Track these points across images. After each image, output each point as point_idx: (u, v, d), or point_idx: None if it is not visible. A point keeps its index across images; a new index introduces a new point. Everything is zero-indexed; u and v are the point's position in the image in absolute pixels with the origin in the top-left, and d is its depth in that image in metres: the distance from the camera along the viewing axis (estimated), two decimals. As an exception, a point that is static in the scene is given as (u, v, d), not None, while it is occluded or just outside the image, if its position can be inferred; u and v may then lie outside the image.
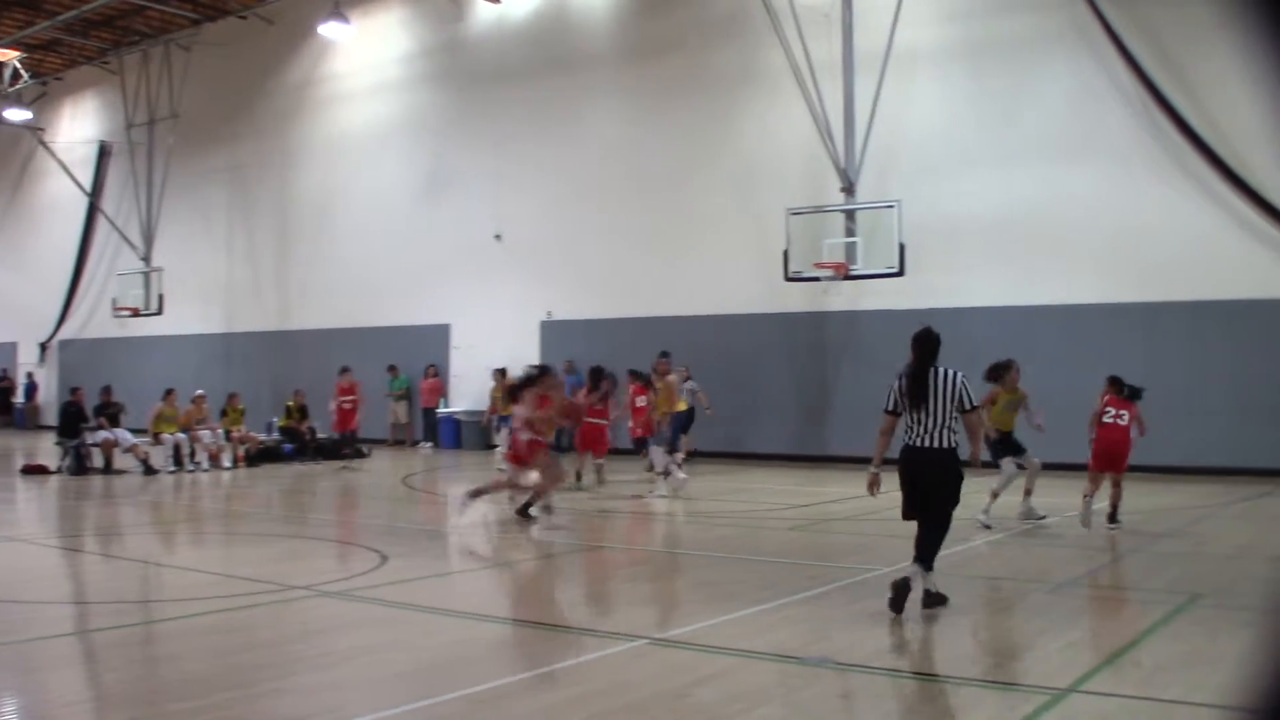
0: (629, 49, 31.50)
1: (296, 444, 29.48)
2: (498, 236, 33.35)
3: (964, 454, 10.31)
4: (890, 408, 10.43)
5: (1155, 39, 24.28)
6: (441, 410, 33.95)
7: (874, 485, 10.47)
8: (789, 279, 25.80)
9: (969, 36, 26.54)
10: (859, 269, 24.94)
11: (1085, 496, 15.42)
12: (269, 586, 11.35)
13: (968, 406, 10.24)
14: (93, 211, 44.46)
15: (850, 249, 25.06)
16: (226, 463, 27.06)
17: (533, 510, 17.01)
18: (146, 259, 39.84)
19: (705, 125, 29.92)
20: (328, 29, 35.54)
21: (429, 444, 33.78)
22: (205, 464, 26.47)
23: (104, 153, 44.50)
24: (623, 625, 9.52)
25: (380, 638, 9.31)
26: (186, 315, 39.71)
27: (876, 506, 16.69)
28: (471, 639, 9.32)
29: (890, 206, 24.75)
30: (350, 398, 27.81)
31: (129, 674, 8.37)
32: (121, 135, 41.65)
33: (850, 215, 25.32)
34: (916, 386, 10.26)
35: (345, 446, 27.75)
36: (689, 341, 28.15)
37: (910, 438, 10.26)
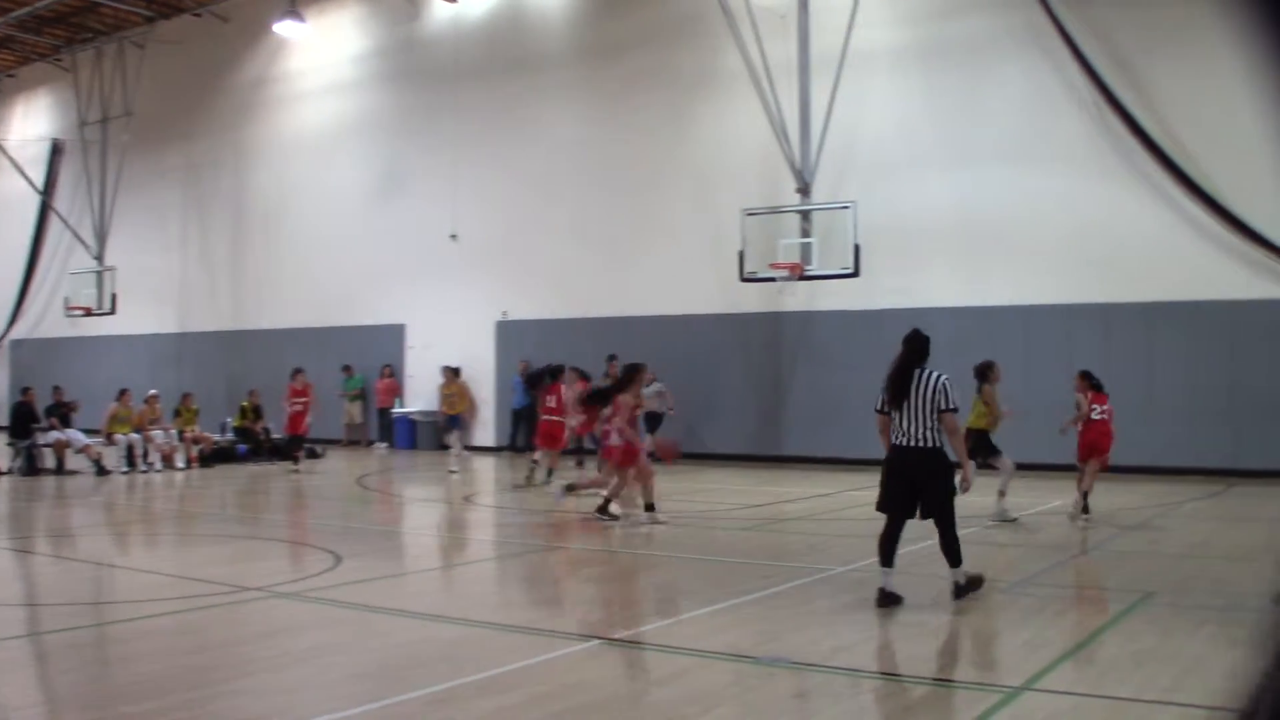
0: (585, 49, 31.50)
1: (251, 444, 29.39)
2: (453, 236, 33.27)
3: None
4: (878, 407, 10.66)
5: (1109, 42, 24.46)
6: (397, 410, 33.86)
7: None
8: (744, 279, 25.85)
9: (924, 39, 26.67)
10: (814, 270, 25.00)
11: (1085, 492, 16.40)
12: (223, 588, 11.31)
13: (945, 407, 10.36)
14: (45, 210, 44.06)
15: (805, 250, 25.13)
16: (180, 463, 26.93)
17: (613, 509, 16.89)
18: (99, 258, 39.52)
19: (661, 126, 29.95)
20: (283, 27, 35.42)
21: (384, 444, 33.70)
22: (158, 464, 26.36)
23: (57, 151, 44.11)
24: (579, 626, 9.55)
25: (335, 638, 9.29)
26: (140, 315, 39.43)
27: (831, 507, 16.81)
28: (427, 639, 9.31)
29: (845, 207, 24.83)
30: (302, 400, 26.85)
31: (82, 676, 8.33)
32: (75, 133, 41.31)
33: (805, 216, 25.40)
34: (897, 385, 10.46)
35: (294, 448, 26.93)
36: (645, 342, 28.18)
37: (896, 437, 10.45)
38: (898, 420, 10.42)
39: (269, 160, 37.91)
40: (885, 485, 10.56)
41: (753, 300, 27.65)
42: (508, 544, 16.37)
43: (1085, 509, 16.30)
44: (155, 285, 39.82)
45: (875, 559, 10.40)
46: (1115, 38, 24.43)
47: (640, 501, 16.93)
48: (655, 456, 16.70)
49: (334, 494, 22.93)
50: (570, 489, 17.41)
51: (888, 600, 10.20)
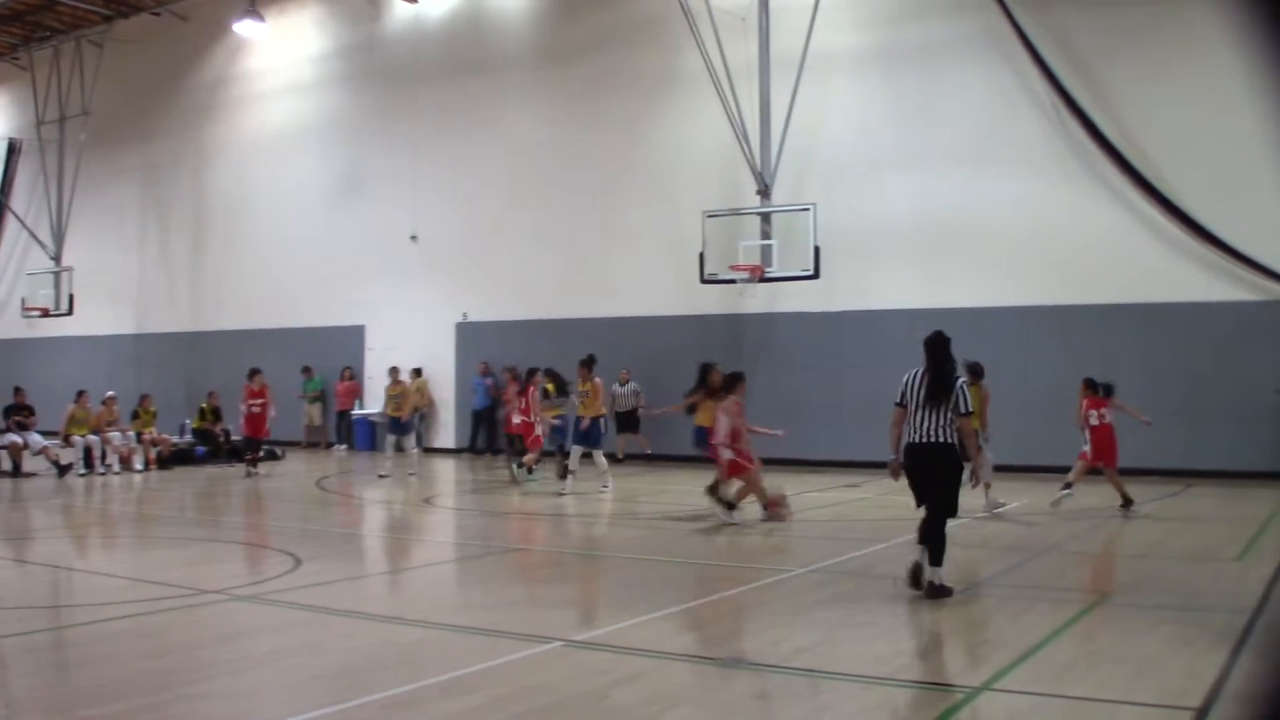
0: (546, 51, 31.47)
1: (210, 446, 29.25)
2: (414, 238, 33.19)
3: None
4: (899, 400, 11.17)
5: (1067, 46, 24.62)
6: (357, 412, 33.75)
7: (897, 472, 11.22)
8: (705, 281, 25.90)
9: (884, 42, 26.76)
10: (774, 271, 25.08)
11: (1068, 485, 17.51)
12: (182, 591, 11.26)
13: (963, 411, 10.93)
14: (1, 210, 43.73)
15: (765, 252, 25.20)
16: (138, 465, 26.77)
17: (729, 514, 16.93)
18: (57, 258, 39.24)
19: (622, 128, 29.97)
20: (243, 27, 35.28)
21: (344, 446, 33.61)
22: (116, 466, 26.17)
23: (13, 150, 43.71)
24: (539, 627, 9.53)
25: (294, 641, 9.27)
26: (98, 316, 39.19)
27: (791, 508, 16.86)
28: (387, 642, 9.30)
29: (805, 209, 24.91)
30: (259, 401, 26.25)
31: (40, 680, 8.29)
32: (32, 132, 40.94)
33: (766, 218, 25.47)
34: (939, 386, 11.00)
35: (250, 452, 26.33)
36: (606, 344, 28.13)
37: (910, 434, 10.99)
38: (917, 418, 10.94)
39: (228, 160, 37.70)
40: (910, 483, 11.07)
41: (713, 302, 27.70)
42: (468, 546, 16.35)
43: (1126, 503, 17.49)
44: (113, 286, 39.58)
45: (839, 560, 10.41)
46: (1073, 42, 24.59)
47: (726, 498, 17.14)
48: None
49: (293, 496, 22.83)
50: (731, 507, 17.35)
51: (936, 593, 10.69)
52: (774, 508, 16.84)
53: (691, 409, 20.52)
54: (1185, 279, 23.54)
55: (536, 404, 23.35)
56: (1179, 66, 23.84)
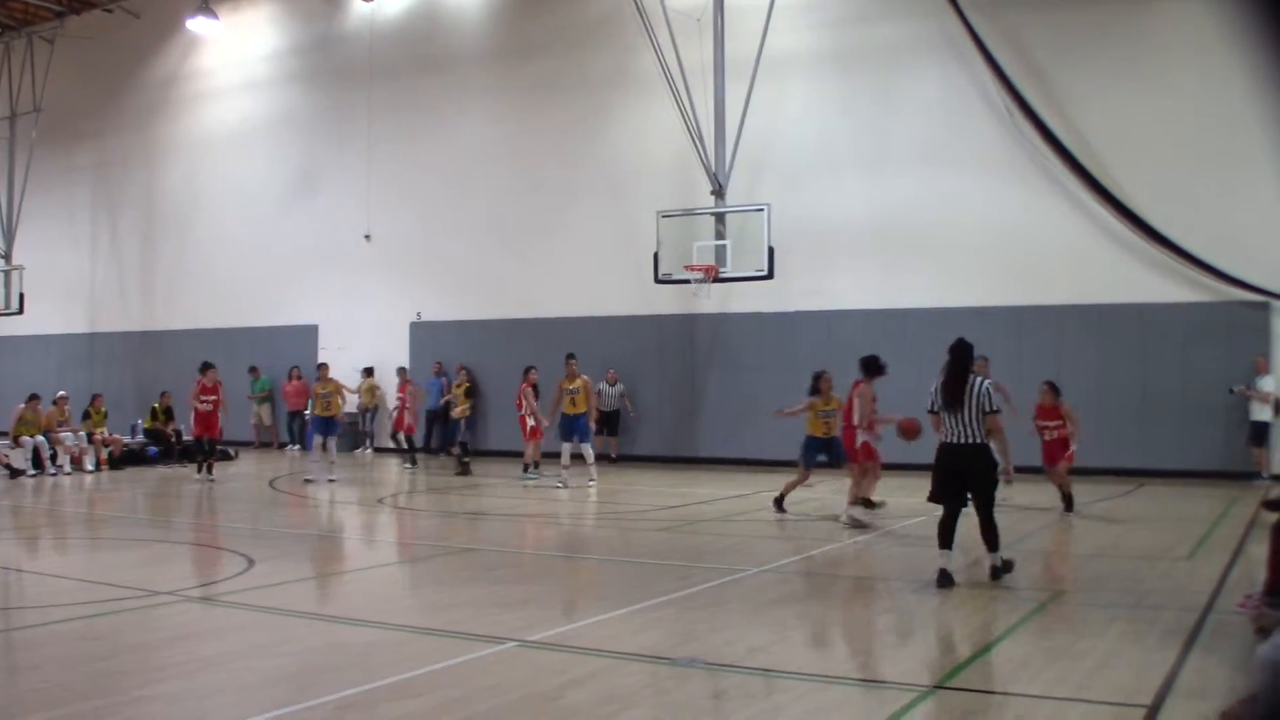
0: (502, 50, 31.43)
1: (161, 446, 29.06)
2: (367, 237, 33.11)
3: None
4: (930, 408, 12.04)
5: (1022, 49, 24.78)
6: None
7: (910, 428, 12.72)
8: (659, 281, 25.90)
9: (839, 44, 26.88)
10: (728, 272, 25.09)
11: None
12: (133, 592, 11.18)
13: (989, 409, 11.70)
14: (-50, 208, 43.35)
15: (720, 252, 25.21)
16: (89, 466, 26.57)
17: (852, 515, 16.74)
18: (7, 256, 38.85)
19: (577, 127, 29.97)
20: (196, 24, 35.15)
21: (297, 447, 33.47)
22: (67, 467, 25.96)
23: (-38, 147, 43.37)
24: (493, 628, 9.51)
25: (247, 643, 9.21)
26: (48, 315, 38.89)
27: (746, 508, 16.88)
28: (340, 643, 9.26)
29: (760, 210, 24.93)
30: (211, 398, 24.99)
31: (-12, 683, 8.21)
32: (-19, 129, 40.67)
33: (720, 218, 25.48)
34: (952, 391, 11.77)
35: (202, 454, 24.85)
36: (560, 343, 28.16)
37: (946, 436, 11.77)
38: (949, 421, 11.71)
39: (181, 159, 37.46)
40: (938, 479, 11.80)
41: (667, 302, 27.74)
42: (422, 546, 16.31)
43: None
44: (64, 285, 39.30)
45: (793, 559, 10.42)
46: (1028, 45, 24.76)
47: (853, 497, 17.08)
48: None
49: (246, 497, 22.69)
50: (871, 504, 17.42)
51: (946, 580, 11.39)
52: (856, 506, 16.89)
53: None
54: (1137, 280, 23.78)
55: (531, 401, 24.18)
56: (1131, 71, 24.05)
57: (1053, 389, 18.38)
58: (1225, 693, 6.76)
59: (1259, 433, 22.77)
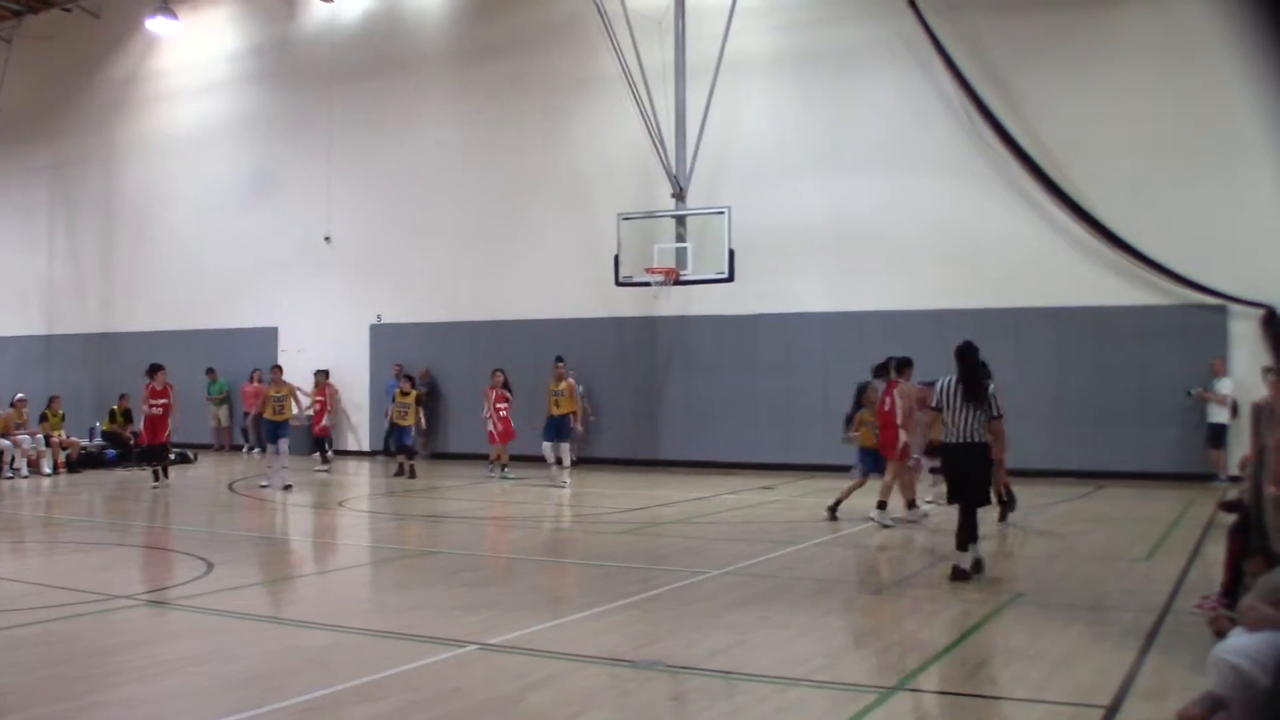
0: (462, 51, 31.37)
1: (120, 449, 28.89)
2: (327, 238, 32.98)
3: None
4: (935, 405, 12.42)
5: (981, 52, 24.89)
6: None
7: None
8: (619, 284, 25.87)
9: (800, 46, 26.94)
10: (689, 274, 25.07)
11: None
12: (91, 596, 11.12)
13: (995, 414, 12.26)
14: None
15: (680, 254, 25.20)
16: (46, 469, 26.38)
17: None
18: (-37, 258, 38.69)
19: (538, 129, 29.94)
20: (155, 24, 34.95)
21: (257, 449, 33.33)
22: (24, 470, 25.76)
23: (-82, 147, 43.04)
24: (453, 631, 9.50)
25: (206, 647, 9.16)
26: (4, 316, 38.69)
27: (706, 510, 16.90)
28: (299, 647, 9.23)
29: (720, 213, 24.93)
30: (161, 401, 23.88)
31: (-57, 688, 8.14)
32: (-63, 129, 40.37)
33: (681, 221, 25.47)
34: (973, 392, 12.18)
35: (152, 460, 24.13)
36: (520, 346, 28.27)
37: (949, 435, 12.24)
38: (952, 421, 12.15)
39: (140, 159, 37.22)
40: (952, 480, 12.34)
41: (628, 305, 27.74)
42: (381, 549, 16.27)
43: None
44: (21, 286, 39.07)
45: (753, 562, 10.43)
46: (986, 48, 24.88)
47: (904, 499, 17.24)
48: None
49: (204, 500, 22.60)
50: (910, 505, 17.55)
51: (961, 575, 11.86)
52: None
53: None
54: (1095, 283, 23.92)
55: (491, 403, 24.74)
56: (1090, 74, 24.20)
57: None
58: (1183, 693, 6.80)
59: (1216, 435, 22.93)
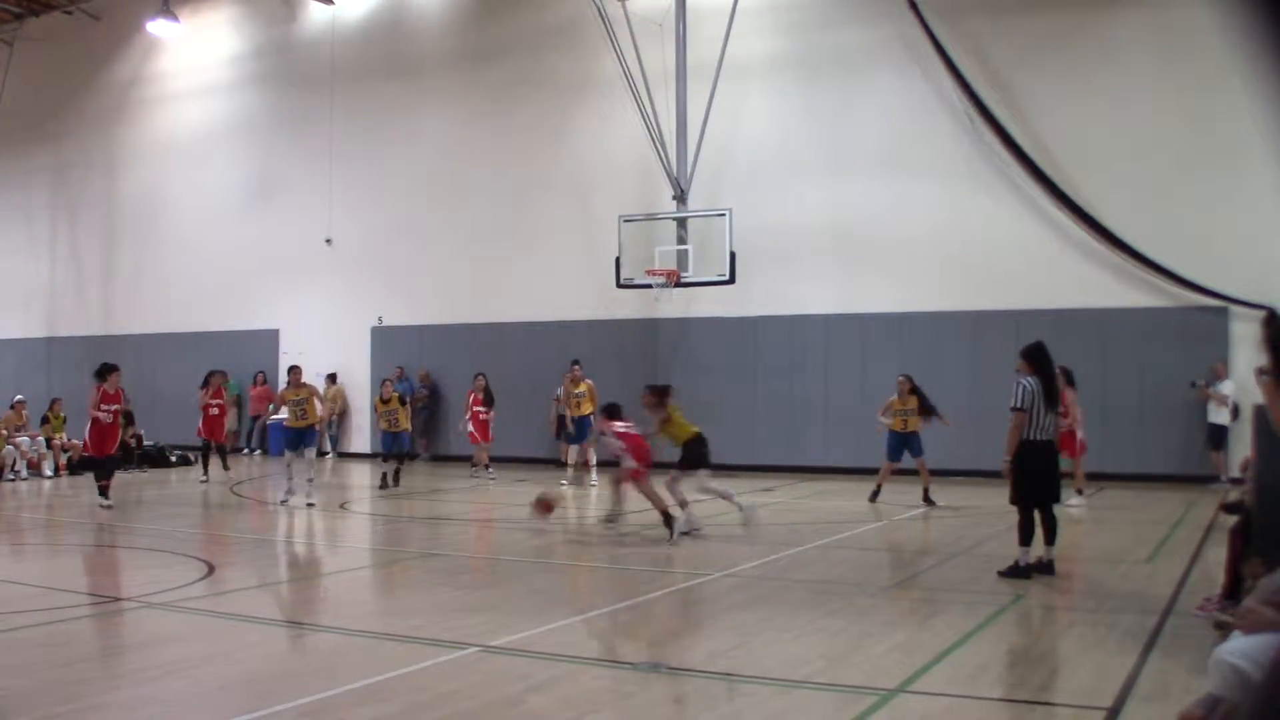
0: (463, 54, 31.37)
1: (121, 451, 28.82)
2: (329, 241, 32.98)
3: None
4: (1023, 406, 12.39)
5: (982, 55, 24.90)
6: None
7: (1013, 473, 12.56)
8: (621, 286, 25.87)
9: (801, 49, 26.95)
10: (690, 277, 25.06)
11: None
12: (93, 599, 11.12)
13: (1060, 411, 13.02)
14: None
15: (681, 257, 25.19)
16: (48, 471, 26.37)
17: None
18: (-36, 260, 38.68)
19: (539, 132, 29.94)
20: (156, 26, 34.93)
21: (258, 451, 33.34)
22: (25, 472, 25.75)
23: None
24: (455, 633, 9.49)
25: (207, 649, 9.17)
26: (6, 319, 38.68)
27: (706, 512, 16.89)
28: (300, 649, 9.24)
29: (721, 215, 24.93)
30: (112, 408, 20.99)
31: (-55, 690, 8.14)
32: (-62, 132, 40.36)
33: (682, 223, 25.46)
34: (1054, 393, 12.63)
35: (100, 475, 20.72)
36: (521, 348, 28.25)
37: (1040, 434, 12.34)
38: (1046, 421, 12.37)
39: (141, 162, 37.23)
40: (1033, 478, 12.35)
41: (629, 307, 27.75)
42: (384, 551, 16.27)
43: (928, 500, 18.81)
44: (23, 288, 39.05)
45: (754, 564, 10.43)
46: (987, 50, 24.89)
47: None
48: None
49: (206, 502, 22.59)
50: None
51: (1022, 573, 12.11)
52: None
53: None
54: (1096, 285, 23.94)
55: (469, 405, 25.08)
56: (1091, 76, 24.21)
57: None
58: (1185, 695, 6.79)
59: (1217, 436, 22.93)
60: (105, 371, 21.11)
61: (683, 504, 16.19)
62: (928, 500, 19.29)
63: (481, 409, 25.39)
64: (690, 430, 16.93)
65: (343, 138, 32.88)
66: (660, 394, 17.04)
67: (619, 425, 16.49)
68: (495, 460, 25.74)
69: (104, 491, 20.27)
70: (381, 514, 20.46)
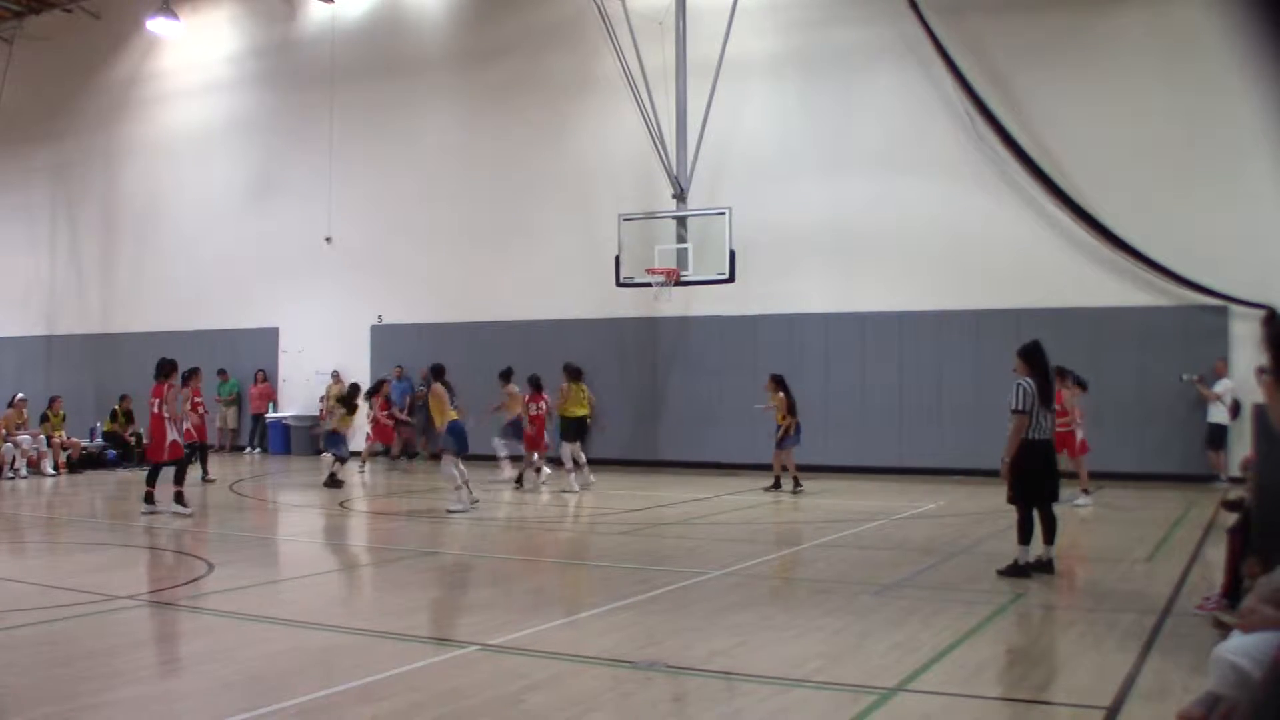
0: (464, 52, 31.36)
1: (121, 450, 28.86)
2: (328, 239, 32.97)
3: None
4: (1025, 408, 12.45)
5: (982, 54, 24.90)
6: (271, 415, 33.48)
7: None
8: (620, 285, 25.87)
9: (801, 48, 26.95)
10: (690, 275, 25.07)
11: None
12: (92, 597, 11.11)
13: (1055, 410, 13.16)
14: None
15: (681, 255, 25.20)
16: (48, 469, 26.36)
17: None
18: (-37, 258, 38.66)
19: (539, 130, 29.93)
20: (156, 25, 34.91)
21: (257, 449, 33.35)
22: (25, 471, 25.74)
23: (-81, 148, 43.01)
24: (454, 632, 9.51)
25: (207, 647, 9.18)
26: (6, 317, 38.64)
27: (707, 511, 16.89)
28: (300, 648, 9.23)
29: (721, 213, 24.93)
30: (198, 400, 23.34)
31: (-55, 689, 8.14)
32: (-62, 130, 40.34)
33: (682, 222, 25.46)
34: (1049, 391, 12.74)
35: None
36: (521, 347, 28.17)
37: (1039, 433, 12.44)
38: (1044, 420, 12.53)
39: (141, 160, 37.19)
40: (1034, 476, 12.38)
41: (629, 305, 27.74)
42: (382, 550, 16.26)
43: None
44: (22, 287, 39.02)
45: (754, 563, 10.43)
46: (988, 50, 24.89)
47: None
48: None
49: (207, 500, 22.57)
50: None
51: (1022, 572, 12.18)
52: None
53: None
54: (1095, 284, 23.94)
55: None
56: (1091, 76, 24.21)
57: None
58: (1184, 694, 6.80)
59: (1216, 436, 22.93)
60: (190, 374, 21.98)
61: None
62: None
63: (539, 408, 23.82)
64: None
65: (342, 136, 32.87)
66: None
67: None
68: (485, 459, 25.36)
69: (180, 498, 18.82)
70: (380, 512, 20.47)
